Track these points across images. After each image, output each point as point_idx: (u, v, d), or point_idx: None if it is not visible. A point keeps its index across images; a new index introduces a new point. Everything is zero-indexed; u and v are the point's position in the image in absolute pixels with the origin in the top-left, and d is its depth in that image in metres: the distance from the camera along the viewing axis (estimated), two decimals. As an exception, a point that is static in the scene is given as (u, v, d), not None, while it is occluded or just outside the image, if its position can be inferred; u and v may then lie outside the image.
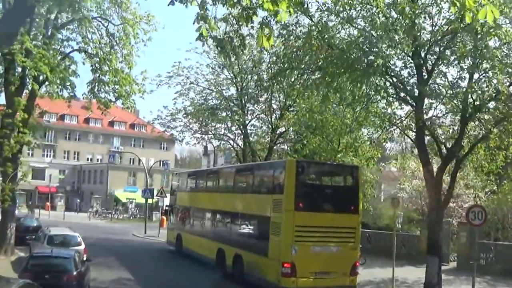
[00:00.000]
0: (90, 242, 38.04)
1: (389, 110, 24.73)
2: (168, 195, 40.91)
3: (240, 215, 25.35)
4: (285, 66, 22.61)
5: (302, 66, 22.14)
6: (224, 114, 39.63)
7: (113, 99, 32.04)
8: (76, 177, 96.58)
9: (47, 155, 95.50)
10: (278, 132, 39.06)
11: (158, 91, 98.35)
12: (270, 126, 39.04)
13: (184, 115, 39.55)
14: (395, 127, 25.35)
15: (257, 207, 23.76)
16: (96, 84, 31.26)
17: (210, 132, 40.93)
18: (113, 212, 70.00)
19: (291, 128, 37.85)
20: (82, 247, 25.00)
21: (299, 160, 24.40)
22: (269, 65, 28.00)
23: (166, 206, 40.62)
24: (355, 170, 23.92)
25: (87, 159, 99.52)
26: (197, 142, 41.26)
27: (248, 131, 39.92)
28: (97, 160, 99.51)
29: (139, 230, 49.64)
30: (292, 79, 25.22)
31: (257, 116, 40.52)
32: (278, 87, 32.09)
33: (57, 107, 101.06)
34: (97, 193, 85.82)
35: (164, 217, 42.41)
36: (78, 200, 79.61)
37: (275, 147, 39.27)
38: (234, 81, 38.52)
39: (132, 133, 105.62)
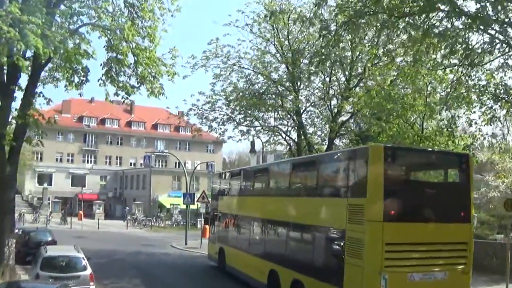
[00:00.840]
0: (117, 258, 32.20)
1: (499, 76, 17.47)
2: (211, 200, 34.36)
3: (300, 227, 18.42)
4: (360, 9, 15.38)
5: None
6: (273, 100, 32.54)
7: (136, 84, 24.82)
8: (118, 183, 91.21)
9: (87, 161, 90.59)
10: (340, 120, 31.95)
11: (193, 77, 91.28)
12: (329, 111, 31.83)
13: (226, 103, 32.71)
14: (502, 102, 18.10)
15: (325, 215, 16.97)
16: (113, 64, 24.43)
17: (257, 121, 33.94)
18: (154, 220, 63.61)
19: (358, 112, 30.35)
20: (88, 272, 18.57)
21: (388, 146, 16.38)
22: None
23: (205, 213, 33.75)
24: (465, 159, 16.26)
25: (130, 164, 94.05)
26: (242, 136, 34.24)
27: (303, 121, 32.81)
28: (140, 164, 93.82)
29: (180, 240, 43.28)
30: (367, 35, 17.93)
31: (313, 103, 33.41)
32: (342, 54, 24.92)
33: (97, 111, 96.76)
34: (140, 199, 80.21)
35: (206, 226, 35.52)
36: (127, 208, 73.62)
37: (337, 139, 31.98)
38: (284, 59, 31.31)
39: (177, 136, 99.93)
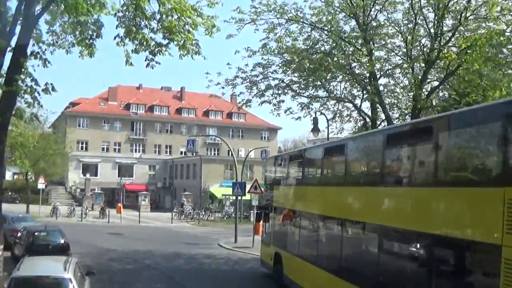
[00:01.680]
0: (149, 263, 25.70)
1: None
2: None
3: (405, 235, 11.30)
4: None
5: None
6: (342, 60, 25.15)
7: (163, 41, 17.89)
8: (168, 173, 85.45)
9: (135, 150, 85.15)
10: (426, 89, 24.50)
11: (239, 38, 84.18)
12: (412, 77, 24.27)
13: (281, 64, 25.59)
14: None
15: (459, 219, 9.71)
16: (131, 14, 17.86)
17: (321, 90, 26.75)
18: (203, 212, 57.18)
19: (455, 74, 22.74)
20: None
21: None
22: None
23: (257, 207, 26.65)
24: None
25: (180, 152, 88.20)
26: (302, 110, 27.07)
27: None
28: (192, 153, 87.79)
29: (230, 236, 36.81)
30: None
31: (392, 67, 25.95)
32: None
33: (145, 98, 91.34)
34: (190, 190, 74.20)
35: (258, 223, 28.45)
36: (184, 199, 67.38)
37: (422, 113, 24.37)
38: (353, 8, 23.84)
39: (230, 123, 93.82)
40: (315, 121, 28.51)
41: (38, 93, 17.42)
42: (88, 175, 74.33)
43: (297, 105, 26.99)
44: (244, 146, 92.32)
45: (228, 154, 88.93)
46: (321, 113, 28.70)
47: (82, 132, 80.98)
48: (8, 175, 76.66)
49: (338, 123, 29.40)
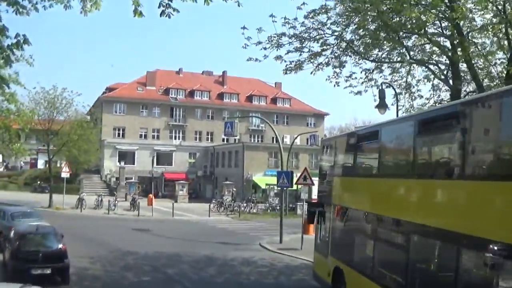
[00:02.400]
0: (173, 272, 20.46)
1: None
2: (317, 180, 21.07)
3: None
4: None
5: None
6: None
7: None
8: (209, 161, 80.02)
9: (175, 137, 80.00)
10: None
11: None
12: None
13: (341, 15, 19.32)
14: None
15: None
16: None
17: (390, 52, 20.46)
18: (244, 204, 51.43)
19: None
20: None
21: None
22: None
23: (309, 205, 20.38)
24: None
25: (222, 139, 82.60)
26: (367, 77, 20.89)
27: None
28: (234, 140, 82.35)
29: (274, 234, 31.18)
30: None
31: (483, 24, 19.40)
32: None
33: (185, 82, 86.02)
34: (232, 178, 68.73)
35: (311, 224, 22.16)
36: (234, 189, 61.90)
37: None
38: None
39: (274, 108, 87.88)
40: (382, 94, 22.25)
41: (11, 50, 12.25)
42: (123, 163, 69.35)
43: (361, 71, 20.79)
44: (289, 132, 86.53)
45: (272, 141, 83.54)
46: (389, 85, 22.55)
47: (119, 118, 76.36)
48: (40, 163, 72.60)
49: (407, 99, 23.22)
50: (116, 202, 45.30)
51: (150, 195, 43.20)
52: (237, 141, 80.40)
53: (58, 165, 71.75)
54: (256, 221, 42.32)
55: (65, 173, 43.98)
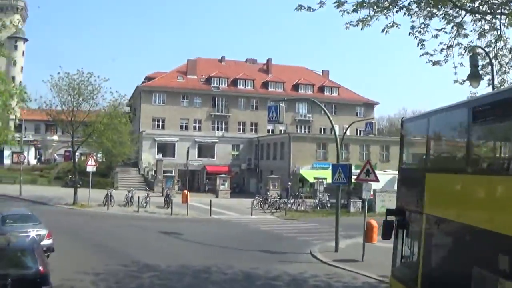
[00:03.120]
0: None
1: None
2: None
3: None
4: None
5: None
6: None
7: None
8: (253, 153, 74.65)
9: (217, 128, 74.96)
10: None
11: None
12: None
13: None
14: None
15: None
16: None
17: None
18: (291, 200, 45.68)
19: None
20: None
21: None
22: None
23: (387, 211, 14.54)
24: None
25: (267, 130, 77.25)
26: (440, 51, 15.14)
27: None
28: (280, 131, 76.89)
29: (327, 239, 25.87)
30: None
31: None
32: None
33: (228, 71, 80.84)
34: (278, 172, 63.32)
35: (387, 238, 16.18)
36: (290, 184, 56.15)
37: None
38: None
39: (322, 97, 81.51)
40: (474, 60, 16.37)
41: None
42: (160, 156, 64.49)
43: (452, 26, 14.92)
44: (337, 122, 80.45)
45: (320, 132, 77.91)
46: (483, 51, 16.67)
47: (158, 109, 71.79)
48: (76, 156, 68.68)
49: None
50: (148, 198, 40.06)
51: (185, 191, 37.69)
52: (282, 132, 75.02)
53: (98, 158, 68.29)
54: (305, 221, 36.68)
55: (90, 167, 39.32)
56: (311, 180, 61.35)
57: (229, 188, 56.98)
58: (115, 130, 40.96)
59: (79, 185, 55.77)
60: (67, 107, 37.96)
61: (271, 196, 45.03)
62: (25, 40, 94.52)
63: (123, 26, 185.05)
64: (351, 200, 43.20)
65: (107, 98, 38.57)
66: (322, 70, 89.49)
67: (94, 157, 39.79)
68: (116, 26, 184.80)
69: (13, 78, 74.72)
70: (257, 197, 43.78)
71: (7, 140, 35.11)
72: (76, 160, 69.58)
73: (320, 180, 59.36)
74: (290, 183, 57.54)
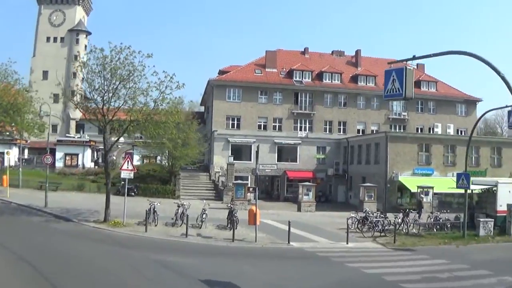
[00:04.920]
0: None
1: None
2: None
3: None
4: None
5: None
6: None
7: None
8: (342, 157, 62.28)
9: (300, 127, 63.30)
10: None
11: None
12: None
13: None
14: None
15: None
16: None
17: None
18: (399, 219, 31.10)
19: None
20: None
21: None
22: None
23: None
24: None
25: (358, 131, 64.97)
26: None
27: None
28: (372, 131, 64.37)
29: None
30: None
31: None
32: None
33: (312, 64, 69.09)
34: (371, 179, 51.17)
35: None
36: (362, 194, 43.91)
37: None
38: None
39: (418, 93, 68.18)
40: None
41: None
42: (231, 159, 53.14)
43: None
44: (436, 121, 67.63)
45: (417, 131, 65.04)
46: None
47: (233, 106, 61.14)
48: (136, 159, 58.56)
49: None
50: (205, 216, 28.40)
51: (252, 208, 25.30)
52: (375, 132, 62.52)
53: (158, 161, 58.03)
54: (424, 253, 24.18)
55: (126, 173, 28.12)
56: (412, 189, 48.79)
57: (314, 200, 44.93)
58: (167, 128, 28.67)
59: (133, 194, 46.24)
60: (99, 94, 27.31)
61: (371, 213, 32.00)
62: (88, 33, 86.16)
63: (193, 20, 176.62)
64: (480, 219, 30.38)
65: (152, 82, 27.05)
66: (417, 64, 76.20)
67: (127, 158, 28.25)
68: (185, 20, 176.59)
69: (74, 74, 66.05)
70: (352, 215, 31.36)
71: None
72: (138, 163, 60.90)
73: (424, 189, 46.82)
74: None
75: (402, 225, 30.40)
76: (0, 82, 35.10)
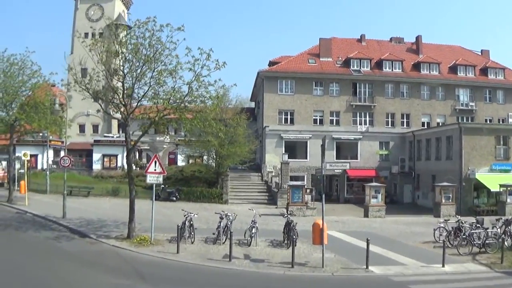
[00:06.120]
0: None
1: None
2: None
3: None
4: None
5: None
6: None
7: None
8: (407, 152, 54.86)
9: (359, 121, 56.47)
10: None
11: None
12: None
13: None
14: None
15: None
16: None
17: None
18: (498, 228, 23.84)
19: None
20: None
21: None
22: None
23: None
24: None
25: (422, 124, 57.58)
26: None
27: None
28: (437, 123, 56.77)
29: None
30: None
31: None
32: None
33: (371, 52, 62.04)
34: (442, 176, 44.06)
35: None
36: (439, 196, 36.91)
37: None
38: None
39: (485, 81, 60.89)
40: None
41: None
42: (286, 157, 46.40)
43: None
44: (506, 111, 59.45)
45: (487, 122, 57.19)
46: None
47: (286, 99, 55.03)
48: (180, 159, 52.72)
49: None
50: (255, 230, 21.73)
51: (318, 223, 18.47)
52: (440, 124, 55.05)
53: (205, 161, 51.79)
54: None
55: (153, 176, 21.55)
56: (492, 188, 41.37)
57: (383, 203, 37.89)
58: (208, 124, 22.20)
59: (175, 199, 40.60)
60: (119, 79, 21.53)
61: (465, 227, 24.32)
62: (128, 27, 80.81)
63: (241, 8, 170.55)
64: None
65: (184, 63, 20.84)
66: (481, 50, 68.04)
67: (156, 158, 21.78)
68: (233, 10, 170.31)
69: (115, 71, 60.83)
70: (440, 225, 24.30)
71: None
72: (183, 163, 55.20)
73: (510, 189, 39.48)
74: (440, 196, 38.43)
75: (504, 237, 23.14)
76: (14, 75, 30.17)
